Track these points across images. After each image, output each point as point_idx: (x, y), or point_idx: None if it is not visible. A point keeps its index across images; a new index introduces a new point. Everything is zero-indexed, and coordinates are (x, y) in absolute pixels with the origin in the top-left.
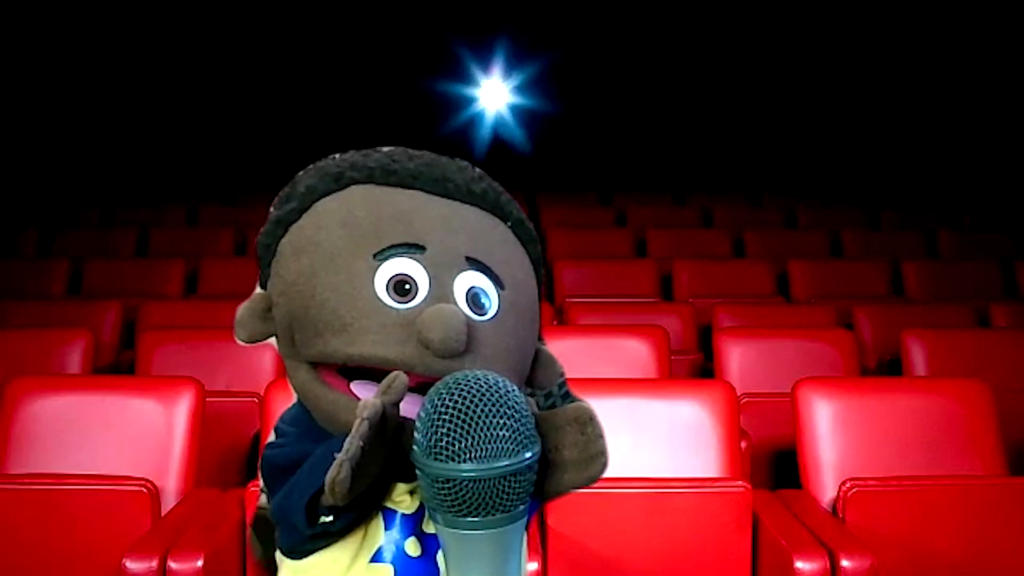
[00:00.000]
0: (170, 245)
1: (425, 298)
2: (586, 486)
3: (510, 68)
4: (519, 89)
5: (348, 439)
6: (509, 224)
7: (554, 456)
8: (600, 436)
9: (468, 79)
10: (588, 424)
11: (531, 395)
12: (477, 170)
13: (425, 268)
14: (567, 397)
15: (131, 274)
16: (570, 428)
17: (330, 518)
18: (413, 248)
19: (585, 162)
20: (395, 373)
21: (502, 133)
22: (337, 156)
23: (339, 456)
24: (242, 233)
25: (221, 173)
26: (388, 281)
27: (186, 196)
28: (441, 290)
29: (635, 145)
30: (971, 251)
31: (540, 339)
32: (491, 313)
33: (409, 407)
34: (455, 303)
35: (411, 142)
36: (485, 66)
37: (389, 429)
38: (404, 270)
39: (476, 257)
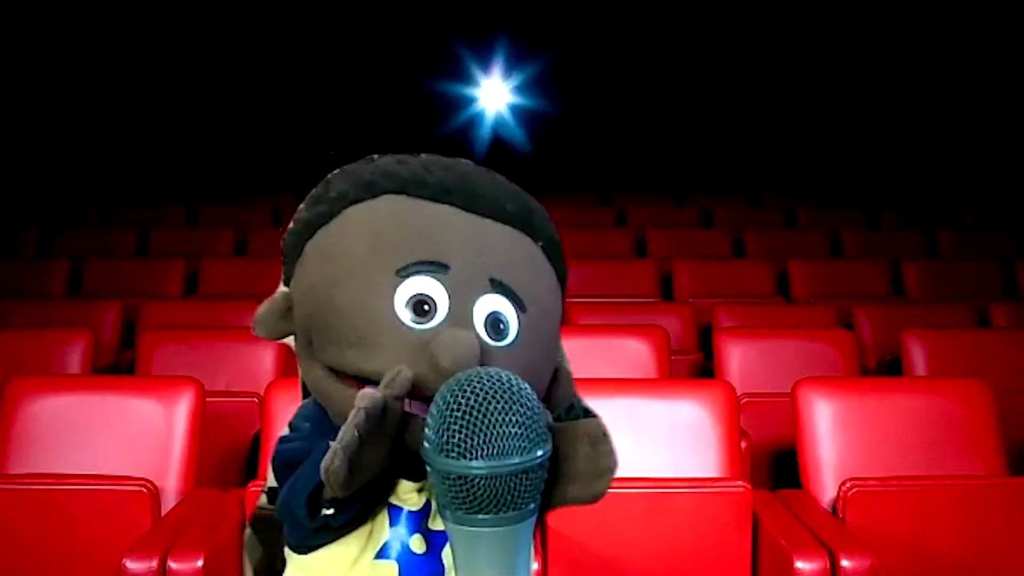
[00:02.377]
0: (170, 245)
1: (443, 320)
2: (591, 501)
3: (510, 68)
4: (519, 89)
5: (343, 428)
6: (540, 244)
7: (562, 467)
8: (611, 453)
9: (468, 79)
10: (600, 440)
11: None
12: (513, 186)
13: (446, 289)
14: (572, 410)
15: (131, 274)
16: (583, 441)
17: (331, 511)
18: (436, 267)
19: (585, 162)
20: (398, 368)
21: (502, 133)
22: (375, 158)
23: (333, 445)
24: (242, 233)
25: (221, 173)
26: (408, 300)
27: (186, 196)
28: (460, 313)
29: (635, 145)
30: (971, 251)
31: (562, 354)
32: (510, 338)
33: (420, 407)
34: (473, 327)
35: (411, 142)
36: (485, 66)
37: (390, 423)
38: (425, 289)
39: (500, 279)
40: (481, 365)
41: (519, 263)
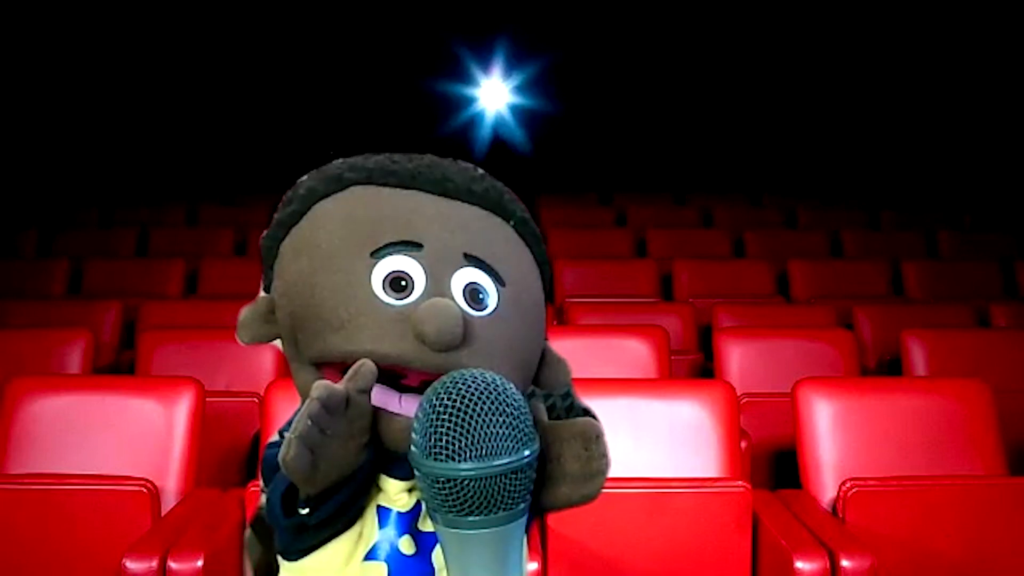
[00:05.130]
0: (170, 245)
1: (422, 294)
2: (582, 503)
3: (510, 68)
4: (519, 89)
5: (298, 417)
6: (512, 223)
7: (554, 468)
8: (604, 455)
9: (468, 79)
10: (594, 441)
11: (531, 395)
12: (479, 170)
13: (422, 265)
14: (567, 398)
15: (131, 274)
16: (575, 442)
17: (306, 510)
18: (410, 246)
19: (585, 162)
20: (361, 360)
21: (502, 133)
22: (340, 160)
23: (288, 435)
24: (242, 233)
25: (221, 173)
26: (385, 278)
27: (186, 196)
28: (438, 286)
29: (635, 145)
30: (971, 251)
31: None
32: (490, 308)
33: (411, 406)
34: (452, 298)
35: (411, 142)
36: (485, 66)
37: (356, 418)
38: (401, 267)
39: (475, 254)
40: (464, 335)
41: (493, 240)
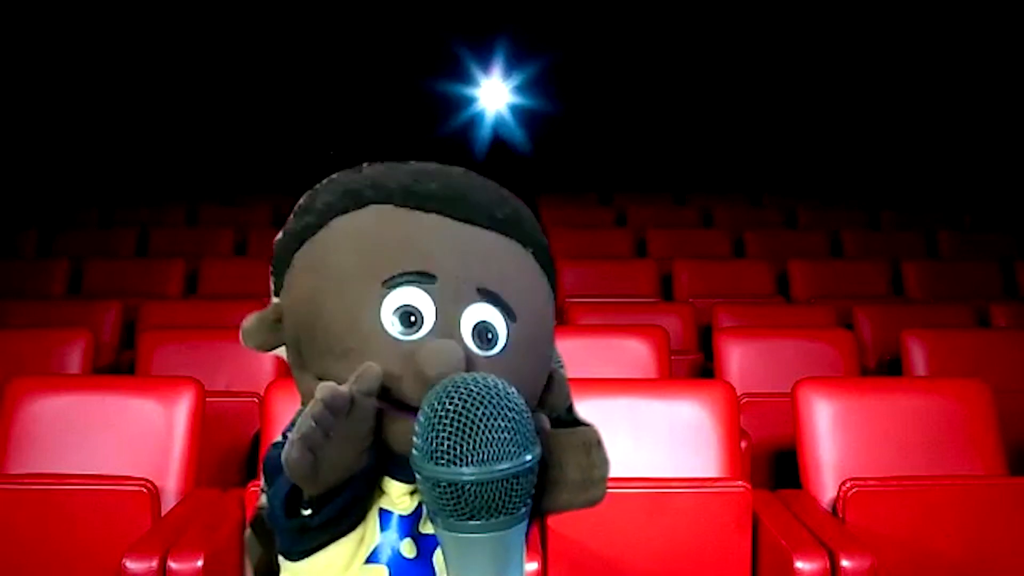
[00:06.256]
0: (170, 245)
1: (430, 331)
2: (583, 508)
3: (510, 68)
4: (519, 89)
5: (301, 419)
6: (531, 251)
7: (556, 474)
8: (605, 462)
9: (468, 79)
10: (595, 448)
11: (534, 411)
12: (503, 192)
13: (433, 299)
14: (570, 412)
15: (131, 274)
16: (577, 449)
17: (308, 511)
18: (423, 277)
19: (585, 162)
20: (367, 364)
21: (502, 133)
22: (364, 167)
23: (291, 435)
24: (242, 233)
25: (221, 173)
26: (394, 311)
27: (186, 196)
28: (447, 323)
29: (635, 145)
30: (971, 251)
31: (557, 360)
32: (498, 348)
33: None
34: (460, 337)
35: (411, 142)
36: (485, 66)
37: (360, 421)
38: (411, 300)
39: (489, 288)
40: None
41: (509, 271)
